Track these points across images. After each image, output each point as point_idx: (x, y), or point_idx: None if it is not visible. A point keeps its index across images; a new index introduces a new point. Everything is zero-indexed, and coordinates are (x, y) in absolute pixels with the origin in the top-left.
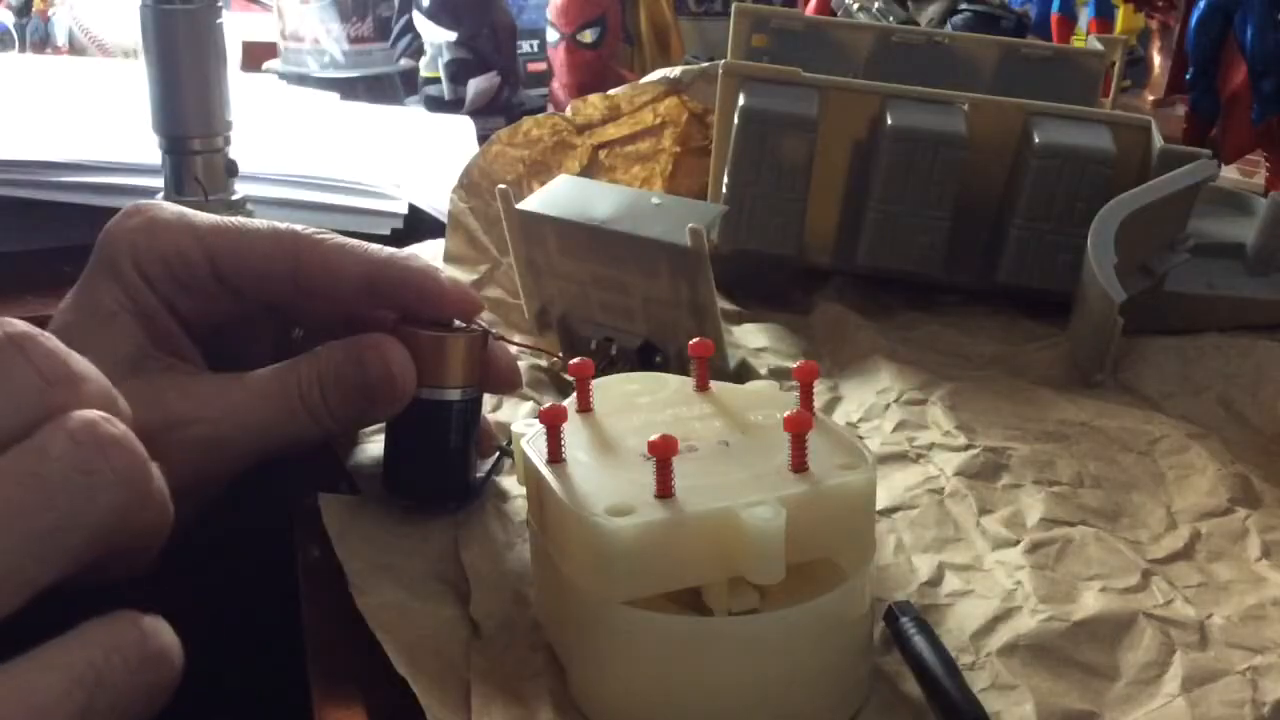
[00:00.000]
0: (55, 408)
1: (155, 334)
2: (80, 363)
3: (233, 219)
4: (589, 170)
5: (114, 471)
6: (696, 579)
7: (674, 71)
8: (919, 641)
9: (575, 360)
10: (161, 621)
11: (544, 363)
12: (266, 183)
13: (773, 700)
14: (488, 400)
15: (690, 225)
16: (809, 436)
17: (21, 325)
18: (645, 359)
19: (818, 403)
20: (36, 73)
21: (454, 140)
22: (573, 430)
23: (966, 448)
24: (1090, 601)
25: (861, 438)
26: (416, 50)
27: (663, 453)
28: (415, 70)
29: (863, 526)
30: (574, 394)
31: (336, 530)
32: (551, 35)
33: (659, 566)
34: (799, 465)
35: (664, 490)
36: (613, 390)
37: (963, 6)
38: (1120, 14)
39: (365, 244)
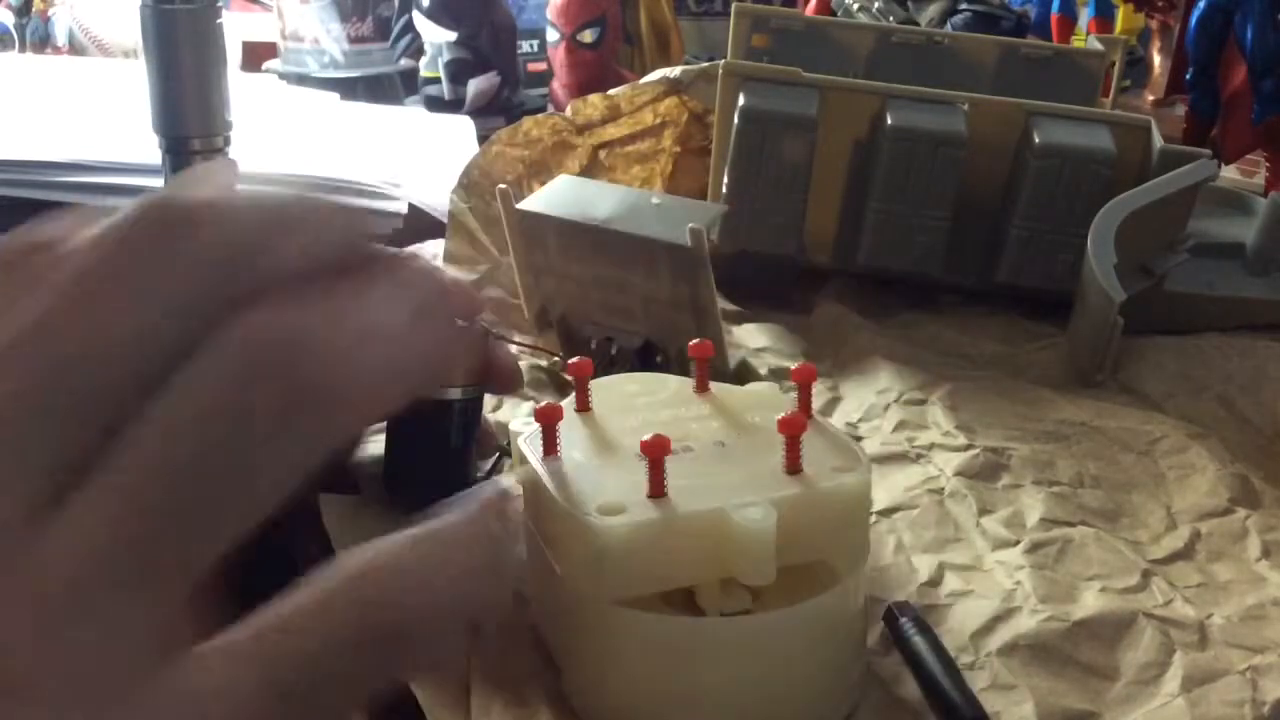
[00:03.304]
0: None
1: None
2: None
3: None
4: (589, 170)
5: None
6: (689, 579)
7: (674, 71)
8: (918, 642)
9: (574, 360)
10: None
11: (544, 363)
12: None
13: (764, 701)
14: (488, 400)
15: (690, 225)
16: (805, 438)
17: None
18: (645, 359)
19: (817, 403)
20: (36, 73)
21: (454, 140)
22: (570, 429)
23: (966, 448)
24: (1090, 601)
25: (861, 438)
26: (416, 50)
27: (655, 452)
28: (415, 70)
29: (857, 529)
30: (573, 393)
31: (336, 530)
32: (551, 35)
33: (651, 566)
34: (793, 467)
35: (656, 490)
36: (613, 390)
37: (963, 6)
38: (1120, 14)
39: None
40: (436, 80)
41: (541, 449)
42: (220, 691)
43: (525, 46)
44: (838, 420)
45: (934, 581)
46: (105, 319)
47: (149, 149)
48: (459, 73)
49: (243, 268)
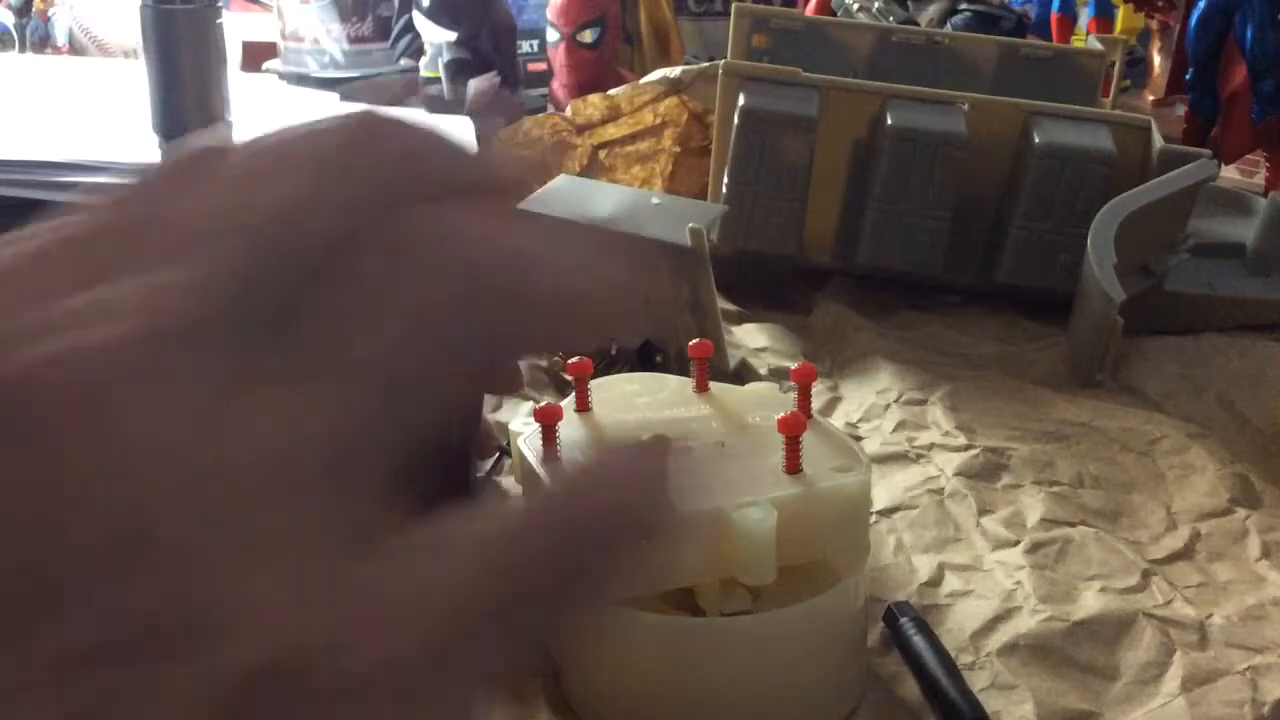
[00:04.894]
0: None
1: None
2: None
3: None
4: (589, 170)
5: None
6: (688, 579)
7: (674, 71)
8: (918, 641)
9: (574, 360)
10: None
11: (544, 363)
12: None
13: (764, 700)
14: (488, 400)
15: (690, 225)
16: (805, 438)
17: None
18: (645, 359)
19: (817, 403)
20: (36, 73)
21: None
22: (570, 429)
23: (966, 448)
24: (1090, 601)
25: (861, 438)
26: (416, 50)
27: None
28: (415, 70)
29: (857, 528)
30: (573, 393)
31: None
32: (551, 35)
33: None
34: (793, 467)
35: None
36: (613, 390)
37: (963, 6)
38: (1120, 14)
39: None
40: (436, 80)
41: (541, 449)
42: (437, 578)
43: (525, 46)
44: (838, 420)
45: (934, 581)
46: (315, 188)
47: (149, 149)
48: (459, 73)
49: (441, 172)
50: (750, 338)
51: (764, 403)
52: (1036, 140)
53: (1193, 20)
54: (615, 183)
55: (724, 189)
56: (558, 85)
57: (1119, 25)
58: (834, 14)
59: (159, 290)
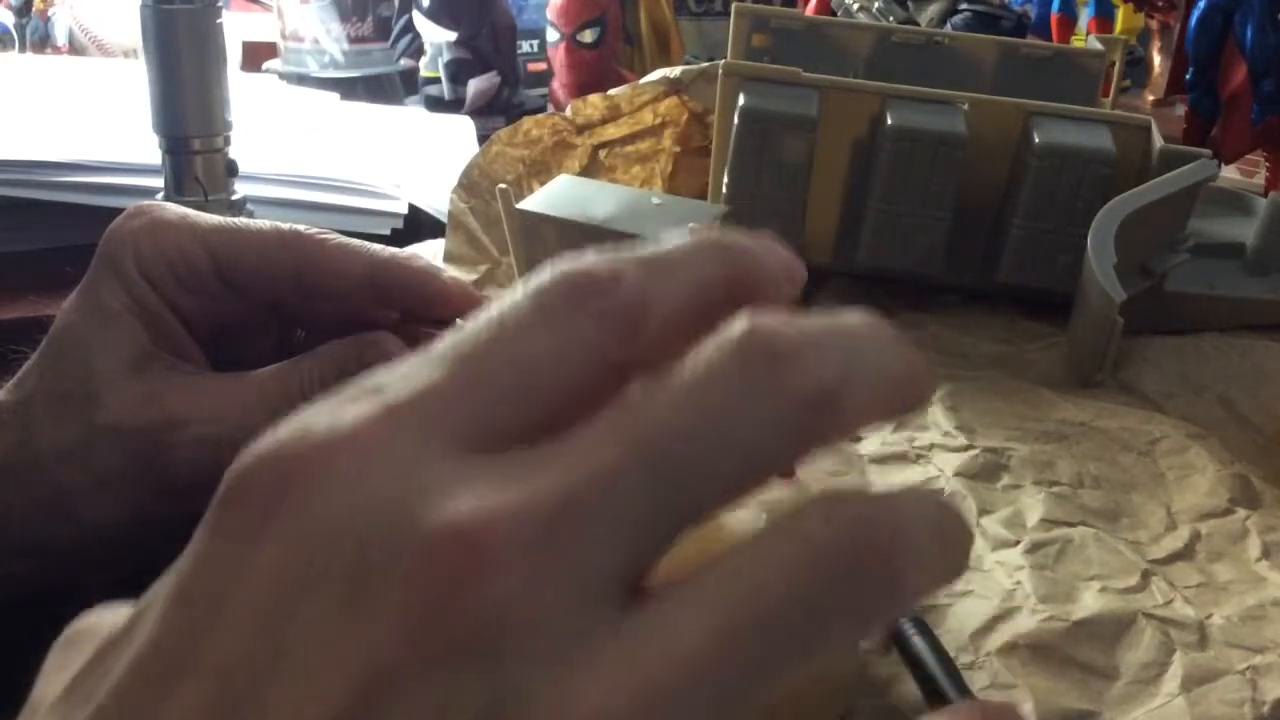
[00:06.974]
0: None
1: (158, 334)
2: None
3: (235, 219)
4: (589, 170)
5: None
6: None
7: (674, 71)
8: (918, 642)
9: None
10: None
11: None
12: (266, 183)
13: None
14: None
15: (690, 225)
16: None
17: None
18: None
19: None
20: (36, 73)
21: (454, 140)
22: None
23: (966, 448)
24: (1090, 601)
25: (861, 438)
26: (416, 50)
27: None
28: (415, 70)
29: None
30: None
31: None
32: (551, 35)
33: None
34: (786, 470)
35: None
36: None
37: (963, 6)
38: (1120, 14)
39: (367, 244)
40: (436, 80)
41: None
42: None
43: (525, 46)
44: None
45: None
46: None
47: (149, 149)
48: (459, 73)
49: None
50: None
51: None
52: (1036, 140)
53: (1193, 20)
54: (615, 183)
55: (724, 189)
56: (558, 85)
57: (1119, 25)
58: (834, 14)
59: None
